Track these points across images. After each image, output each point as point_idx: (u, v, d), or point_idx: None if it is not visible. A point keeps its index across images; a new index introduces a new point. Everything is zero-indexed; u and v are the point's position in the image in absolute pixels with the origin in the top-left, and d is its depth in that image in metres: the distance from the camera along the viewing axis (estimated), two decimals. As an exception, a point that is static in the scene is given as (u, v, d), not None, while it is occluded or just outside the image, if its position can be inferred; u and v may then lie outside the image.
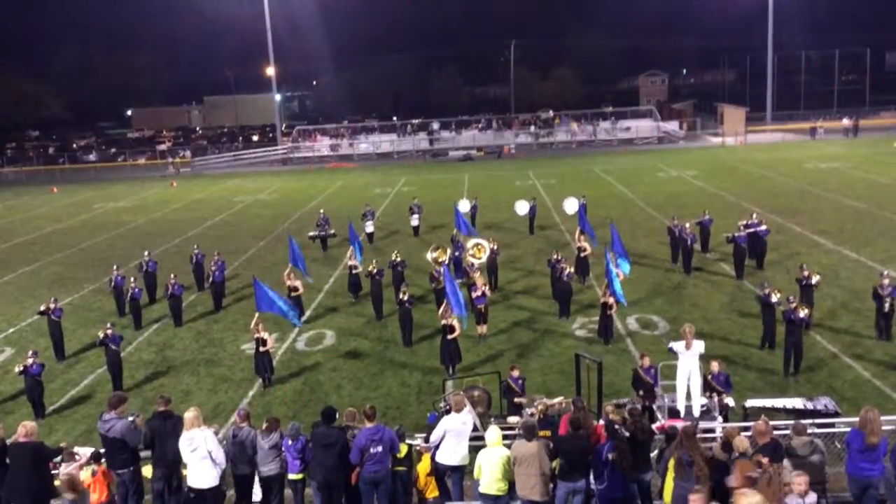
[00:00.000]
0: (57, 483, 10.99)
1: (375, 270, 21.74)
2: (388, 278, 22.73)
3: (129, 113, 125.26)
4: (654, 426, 11.54)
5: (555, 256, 22.08)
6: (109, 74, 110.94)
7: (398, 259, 23.28)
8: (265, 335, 17.27)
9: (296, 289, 21.57)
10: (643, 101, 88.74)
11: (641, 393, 13.82)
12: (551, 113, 77.58)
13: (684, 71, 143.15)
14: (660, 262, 25.90)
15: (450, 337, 17.14)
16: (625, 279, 19.86)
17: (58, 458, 11.10)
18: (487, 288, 20.40)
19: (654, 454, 10.63)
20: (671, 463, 9.28)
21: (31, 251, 34.76)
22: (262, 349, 17.22)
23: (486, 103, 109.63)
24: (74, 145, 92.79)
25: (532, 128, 73.90)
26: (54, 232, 39.83)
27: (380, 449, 10.22)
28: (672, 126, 71.98)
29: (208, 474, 10.20)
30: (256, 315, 17.69)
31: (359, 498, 10.67)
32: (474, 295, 19.33)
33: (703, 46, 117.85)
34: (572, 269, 21.62)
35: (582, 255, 23.65)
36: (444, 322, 17.25)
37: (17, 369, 16.52)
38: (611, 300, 18.41)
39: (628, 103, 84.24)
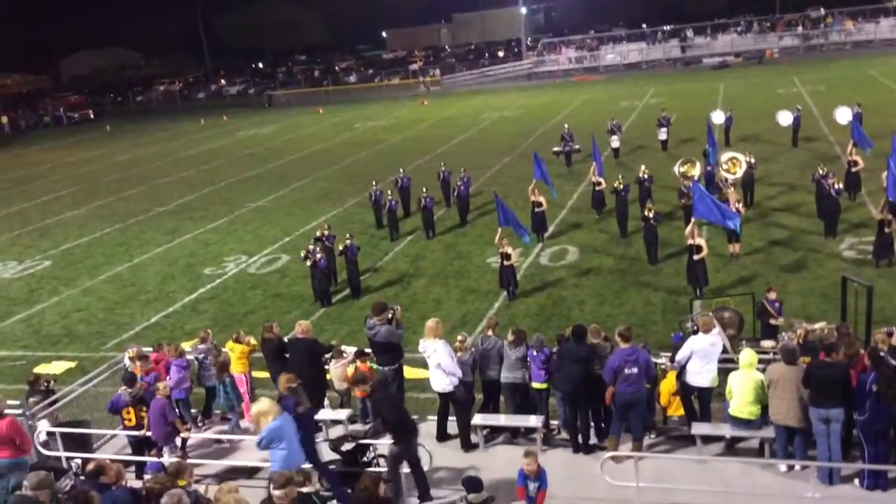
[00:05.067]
0: (329, 377, 12.34)
1: (622, 186, 21.29)
2: (633, 194, 22.20)
3: (384, 35, 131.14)
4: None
5: (821, 171, 20.20)
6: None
7: (645, 175, 22.65)
8: (509, 249, 17.68)
9: (539, 204, 21.70)
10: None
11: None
12: (822, 11, 69.62)
13: None
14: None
15: (696, 258, 16.43)
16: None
17: (328, 355, 12.36)
18: (741, 205, 19.22)
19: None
20: None
21: (301, 168, 38.21)
22: (506, 263, 17.71)
23: (746, 4, 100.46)
24: (336, 68, 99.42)
25: (799, 28, 67.00)
26: (321, 150, 43.37)
27: (635, 370, 10.07)
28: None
29: (442, 381, 10.95)
30: (500, 230, 18.16)
31: (602, 411, 10.83)
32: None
33: None
34: (841, 185, 19.68)
35: (853, 169, 21.41)
36: (690, 242, 16.56)
37: (307, 263, 18.43)
38: (889, 217, 16.54)
39: (919, -6, 72.94)
